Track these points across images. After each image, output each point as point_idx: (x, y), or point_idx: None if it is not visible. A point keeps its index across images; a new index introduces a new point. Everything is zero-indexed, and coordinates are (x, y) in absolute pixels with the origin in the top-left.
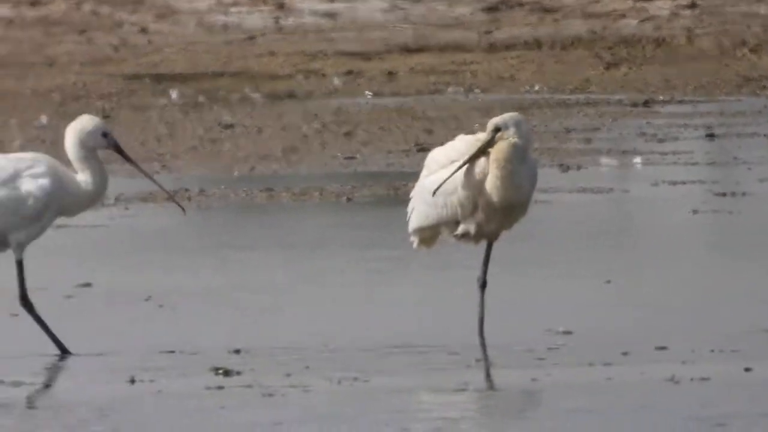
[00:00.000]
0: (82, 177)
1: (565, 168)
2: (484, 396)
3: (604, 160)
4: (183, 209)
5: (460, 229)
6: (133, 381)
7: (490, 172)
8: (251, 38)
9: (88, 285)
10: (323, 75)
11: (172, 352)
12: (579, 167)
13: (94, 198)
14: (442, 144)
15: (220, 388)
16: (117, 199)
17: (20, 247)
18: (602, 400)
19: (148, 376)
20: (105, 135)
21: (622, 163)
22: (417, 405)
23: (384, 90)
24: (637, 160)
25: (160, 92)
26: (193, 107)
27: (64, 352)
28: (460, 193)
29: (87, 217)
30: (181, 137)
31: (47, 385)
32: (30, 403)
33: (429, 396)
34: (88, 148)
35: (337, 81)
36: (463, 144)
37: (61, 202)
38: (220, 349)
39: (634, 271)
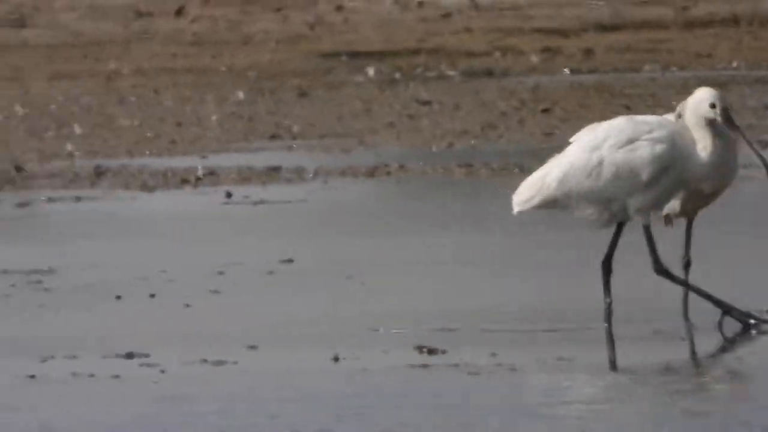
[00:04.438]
0: (700, 146)
1: (764, 144)
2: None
3: None
4: None
5: (666, 209)
6: (336, 359)
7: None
8: (447, 15)
9: (290, 261)
10: (520, 52)
11: (376, 330)
12: None
13: (711, 170)
14: None
15: (425, 366)
16: (316, 173)
17: (641, 213)
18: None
19: (352, 354)
20: (713, 106)
21: None
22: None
23: (581, 67)
24: None
25: (356, 70)
26: (389, 84)
27: (724, 307)
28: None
29: (287, 192)
30: (378, 113)
31: (236, 362)
32: (222, 378)
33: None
34: (699, 117)
35: (534, 58)
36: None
37: (679, 171)
38: (424, 326)
39: None
